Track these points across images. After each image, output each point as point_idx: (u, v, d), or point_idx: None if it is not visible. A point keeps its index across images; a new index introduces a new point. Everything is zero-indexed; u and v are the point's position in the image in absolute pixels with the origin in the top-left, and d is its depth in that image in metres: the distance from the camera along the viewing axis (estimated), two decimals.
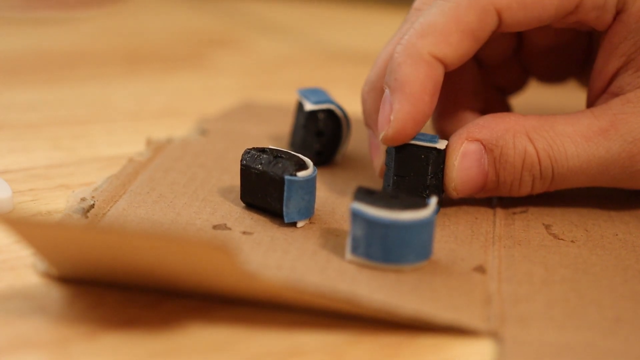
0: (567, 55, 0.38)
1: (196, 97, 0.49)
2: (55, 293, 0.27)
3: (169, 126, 0.42)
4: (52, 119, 0.43)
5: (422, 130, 0.32)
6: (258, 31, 0.67)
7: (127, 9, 0.71)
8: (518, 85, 0.39)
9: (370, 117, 0.34)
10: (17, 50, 0.57)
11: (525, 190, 0.32)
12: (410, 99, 0.30)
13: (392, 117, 0.31)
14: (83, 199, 0.32)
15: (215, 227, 0.30)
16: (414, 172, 0.31)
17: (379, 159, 0.33)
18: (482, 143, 0.31)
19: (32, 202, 0.33)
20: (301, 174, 0.30)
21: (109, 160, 0.37)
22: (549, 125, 0.31)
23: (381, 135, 0.31)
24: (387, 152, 0.32)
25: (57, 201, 0.33)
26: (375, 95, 0.33)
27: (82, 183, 0.35)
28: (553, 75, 0.39)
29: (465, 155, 0.31)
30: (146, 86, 0.51)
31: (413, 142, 0.31)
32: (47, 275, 0.27)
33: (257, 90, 0.50)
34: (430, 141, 0.31)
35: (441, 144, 0.31)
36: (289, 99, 0.47)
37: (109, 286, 0.27)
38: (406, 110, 0.30)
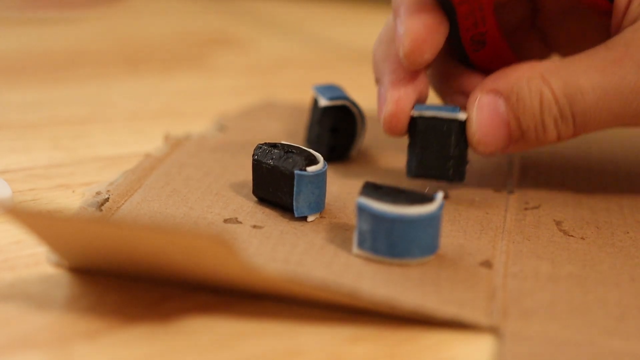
0: (588, 22, 0.36)
1: (196, 97, 0.49)
2: (55, 293, 0.26)
3: (168, 126, 0.42)
4: (52, 119, 0.43)
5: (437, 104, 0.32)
6: (259, 30, 0.66)
7: (127, 9, 0.71)
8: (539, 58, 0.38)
9: (378, 68, 0.34)
10: (17, 50, 0.57)
11: (551, 135, 0.31)
12: (414, 7, 0.31)
13: (402, 32, 0.31)
14: (98, 193, 0.32)
15: (226, 220, 0.31)
16: (437, 143, 0.32)
17: (381, 112, 0.33)
18: (497, 93, 0.31)
19: (32, 202, 0.33)
20: (311, 168, 0.30)
21: (109, 160, 0.37)
22: (563, 65, 0.31)
23: (400, 53, 0.31)
24: (410, 126, 0.32)
25: (57, 201, 0.33)
26: (384, 47, 0.34)
27: (82, 183, 0.35)
28: (575, 48, 0.37)
29: (481, 107, 0.31)
30: (146, 86, 0.50)
31: (434, 114, 0.32)
32: (59, 266, 0.28)
33: (258, 91, 0.50)
34: (452, 112, 0.32)
35: (462, 115, 0.32)
36: (292, 98, 0.47)
37: (109, 287, 0.27)
38: (413, 17, 0.31)
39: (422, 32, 0.31)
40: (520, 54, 0.37)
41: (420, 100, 0.33)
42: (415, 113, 0.32)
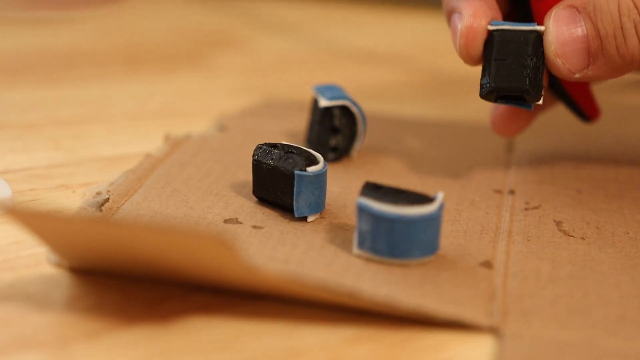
0: None
1: (196, 97, 0.49)
2: (55, 293, 0.26)
3: (169, 126, 0.42)
4: (52, 119, 0.43)
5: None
6: (259, 30, 0.66)
7: (127, 9, 0.71)
8: None
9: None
10: (17, 50, 0.57)
11: (633, 44, 0.30)
12: None
13: None
14: (99, 193, 0.32)
15: (226, 221, 0.31)
16: (513, 54, 0.31)
17: (456, 36, 0.32)
18: (573, 7, 0.31)
19: (32, 202, 0.33)
20: (311, 169, 0.30)
21: (109, 160, 0.37)
22: None
23: None
24: (486, 42, 0.32)
25: (57, 201, 0.33)
26: None
27: (82, 183, 0.35)
28: None
29: (558, 19, 0.31)
30: (146, 86, 0.50)
31: (512, 27, 0.31)
32: (59, 266, 0.28)
33: (258, 91, 0.50)
34: (529, 25, 0.31)
35: (540, 27, 0.31)
36: (292, 98, 0.47)
37: (109, 287, 0.27)
38: None
39: None
40: None
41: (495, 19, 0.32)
42: (492, 27, 0.31)
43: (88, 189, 0.33)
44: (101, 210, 0.31)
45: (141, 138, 0.40)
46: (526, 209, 0.33)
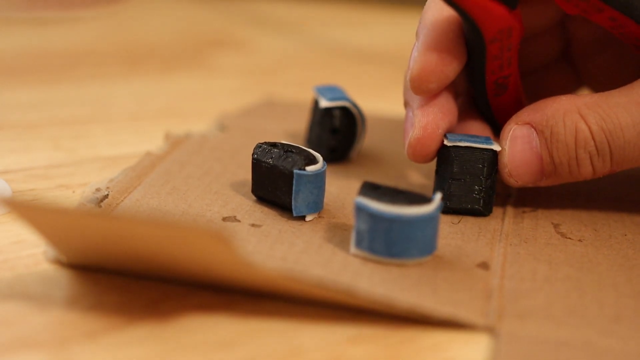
0: (623, 56, 0.35)
1: (196, 97, 0.49)
2: (55, 293, 0.26)
3: (169, 126, 0.42)
4: (52, 119, 0.43)
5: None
6: (259, 30, 0.66)
7: (127, 9, 0.71)
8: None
9: (407, 91, 0.33)
10: (17, 50, 0.57)
11: (586, 171, 0.31)
12: (433, 34, 0.31)
13: (414, 55, 0.31)
14: (98, 190, 0.32)
15: (225, 219, 0.31)
16: (469, 175, 0.31)
17: (407, 136, 0.33)
18: (532, 126, 0.31)
19: (32, 202, 0.33)
20: (310, 168, 0.30)
21: (109, 160, 0.37)
22: (602, 100, 0.30)
23: (408, 76, 0.31)
24: (441, 154, 0.32)
25: (57, 201, 0.33)
26: None
27: (82, 183, 0.35)
28: (608, 82, 0.35)
29: (514, 139, 0.31)
30: (146, 86, 0.50)
31: (468, 144, 0.31)
32: (57, 262, 0.28)
33: (258, 91, 0.50)
34: (486, 143, 0.31)
35: (497, 146, 0.31)
36: (292, 98, 0.47)
37: (109, 287, 0.27)
38: (429, 44, 0.30)
39: (432, 63, 0.31)
40: (550, 88, 0.37)
41: (449, 129, 0.32)
42: (449, 142, 0.31)
43: (87, 187, 0.33)
44: (100, 207, 0.31)
45: (141, 138, 0.40)
46: (524, 212, 0.33)
